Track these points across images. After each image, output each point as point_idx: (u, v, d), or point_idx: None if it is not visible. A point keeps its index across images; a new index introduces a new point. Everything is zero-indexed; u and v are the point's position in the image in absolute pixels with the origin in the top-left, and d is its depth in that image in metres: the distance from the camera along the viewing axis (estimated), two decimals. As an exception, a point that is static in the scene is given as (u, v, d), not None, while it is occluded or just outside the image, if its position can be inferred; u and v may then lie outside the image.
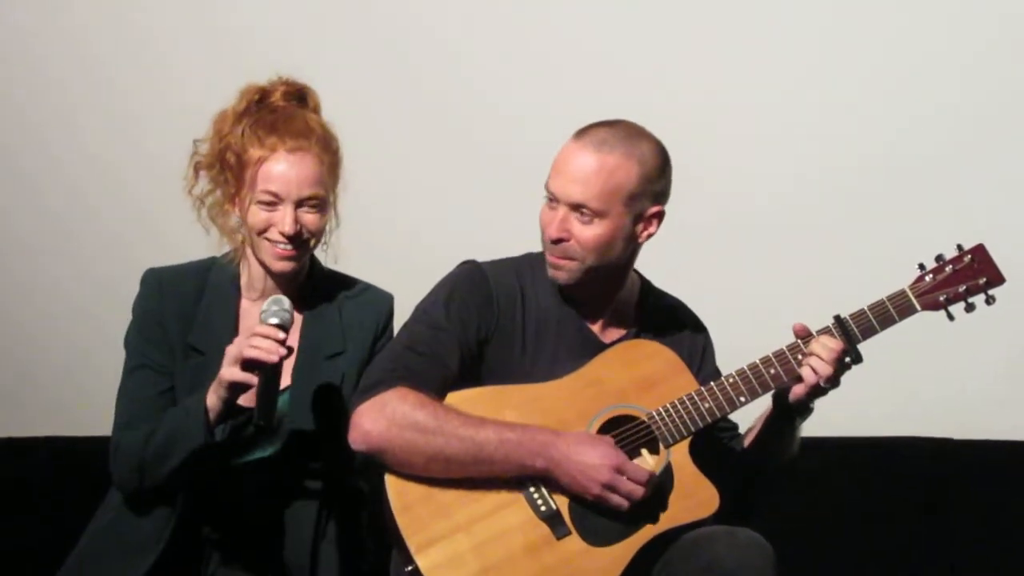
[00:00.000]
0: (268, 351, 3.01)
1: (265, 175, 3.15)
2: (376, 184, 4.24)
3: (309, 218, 3.18)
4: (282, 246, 3.17)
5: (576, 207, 3.16)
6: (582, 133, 3.19)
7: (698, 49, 4.56)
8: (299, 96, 3.27)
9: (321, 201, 3.19)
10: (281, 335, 3.04)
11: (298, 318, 3.27)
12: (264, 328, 3.05)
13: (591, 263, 3.19)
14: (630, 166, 3.16)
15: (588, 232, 3.17)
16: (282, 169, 3.15)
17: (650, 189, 3.19)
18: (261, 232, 3.18)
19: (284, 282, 3.25)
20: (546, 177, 3.21)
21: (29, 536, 4.16)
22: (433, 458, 3.07)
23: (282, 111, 3.22)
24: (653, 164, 3.19)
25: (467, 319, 3.19)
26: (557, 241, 3.18)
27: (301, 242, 3.18)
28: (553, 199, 3.18)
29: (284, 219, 3.15)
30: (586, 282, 3.22)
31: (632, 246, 3.23)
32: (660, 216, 3.23)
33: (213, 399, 3.08)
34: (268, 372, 3.03)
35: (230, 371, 3.04)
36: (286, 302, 3.09)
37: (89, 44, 4.64)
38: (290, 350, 3.06)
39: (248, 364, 3.02)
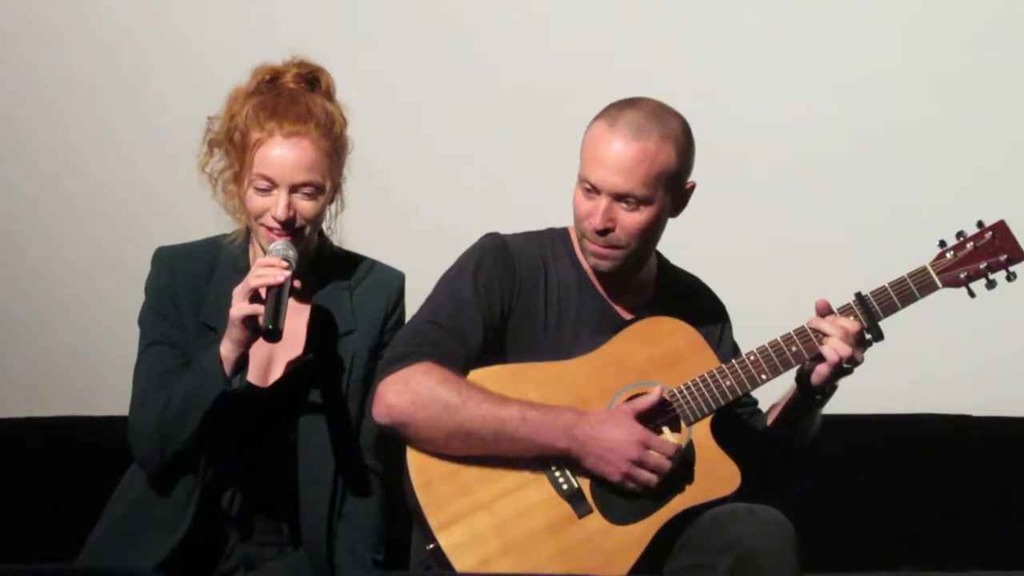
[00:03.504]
0: (273, 273, 3.02)
1: (261, 159, 3.14)
2: (388, 163, 4.25)
3: (304, 204, 3.16)
4: (277, 231, 3.16)
5: (621, 196, 3.15)
6: (613, 119, 3.17)
7: (718, 17, 4.56)
8: (310, 79, 3.24)
9: (317, 187, 3.16)
10: (283, 263, 3.05)
11: (308, 296, 3.27)
12: (265, 259, 3.07)
13: (635, 248, 3.20)
14: (668, 148, 3.16)
15: (634, 219, 3.17)
16: (277, 154, 3.13)
17: (685, 165, 3.21)
18: (257, 217, 3.17)
19: None
20: (581, 164, 3.19)
21: (46, 515, 4.16)
22: (454, 434, 3.07)
23: (287, 94, 3.19)
24: (684, 140, 3.20)
25: (492, 292, 3.19)
26: (604, 232, 3.17)
27: (295, 228, 3.17)
28: (593, 189, 3.17)
29: (277, 204, 3.14)
30: (624, 266, 3.22)
31: (666, 223, 3.25)
32: (693, 189, 3.25)
33: (227, 346, 3.07)
34: (276, 291, 3.03)
35: (239, 307, 3.04)
36: (283, 244, 3.10)
37: (103, 23, 4.63)
38: (293, 275, 3.05)
39: (255, 294, 3.03)
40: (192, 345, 3.22)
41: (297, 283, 3.10)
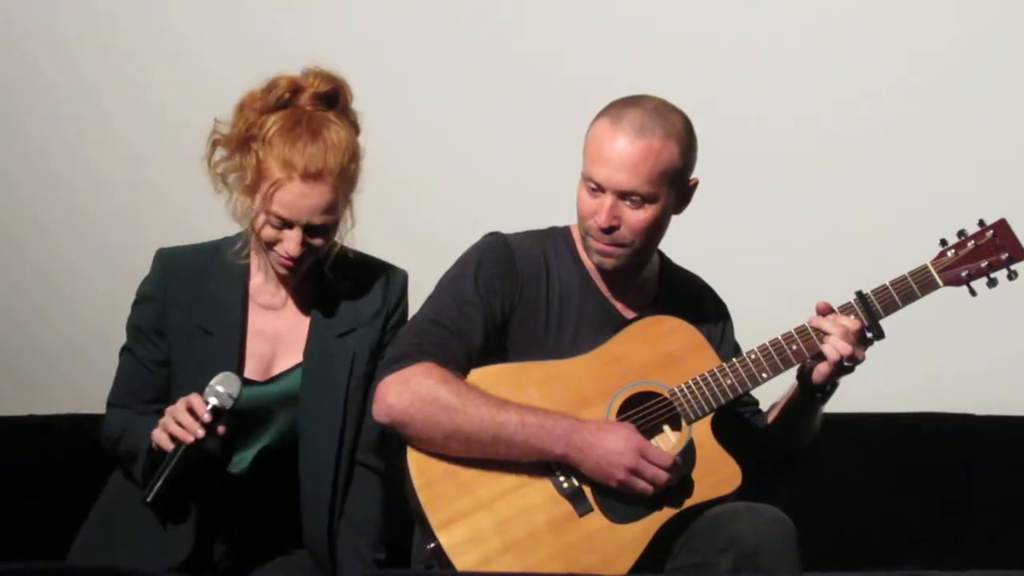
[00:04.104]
0: (186, 430, 3.03)
1: (279, 200, 3.14)
2: (390, 161, 4.24)
3: (317, 240, 3.19)
4: (286, 258, 3.18)
5: (625, 194, 3.15)
6: (616, 118, 3.17)
7: (720, 14, 4.57)
8: (329, 98, 3.22)
9: (332, 225, 3.19)
10: (206, 417, 3.04)
11: (310, 295, 3.29)
12: (196, 401, 3.06)
13: (639, 246, 3.20)
14: (672, 146, 3.16)
15: (639, 216, 3.17)
16: (294, 197, 3.14)
17: (688, 162, 3.21)
18: (270, 244, 3.19)
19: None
20: (584, 162, 3.19)
21: (47, 514, 4.16)
22: (453, 435, 3.07)
23: (307, 123, 3.18)
24: (687, 137, 3.20)
25: (493, 291, 3.19)
26: (609, 230, 3.17)
27: (306, 258, 3.19)
28: (598, 188, 3.17)
29: (290, 241, 3.16)
30: (629, 264, 3.22)
31: (670, 220, 3.25)
32: (696, 185, 3.25)
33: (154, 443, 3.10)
34: (181, 450, 3.04)
35: (159, 434, 3.07)
36: (235, 385, 3.09)
37: (106, 22, 4.63)
38: (213, 433, 3.05)
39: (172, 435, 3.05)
40: (183, 346, 3.23)
41: (221, 430, 3.09)
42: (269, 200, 3.14)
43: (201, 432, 3.04)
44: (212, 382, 3.10)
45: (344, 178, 3.17)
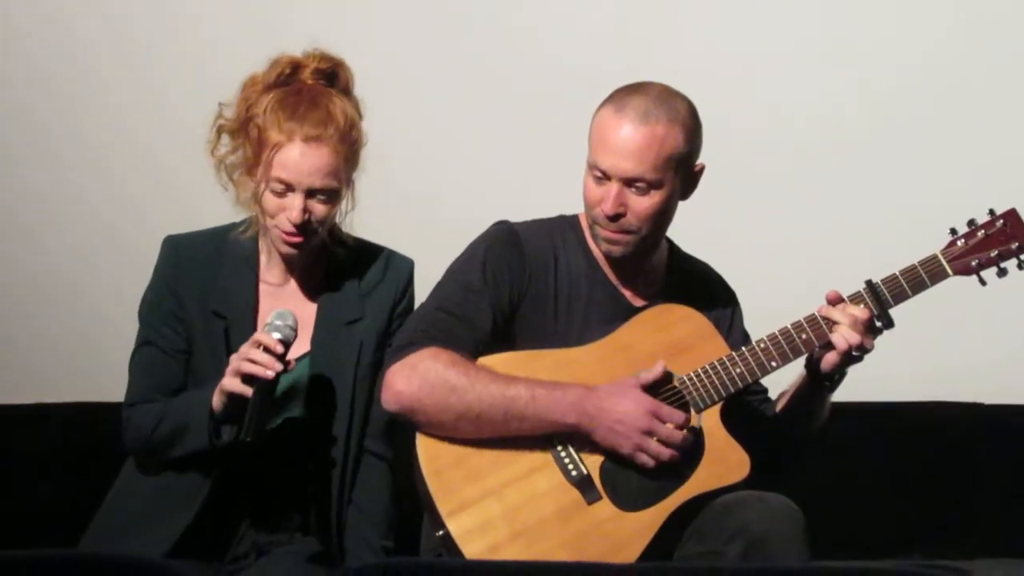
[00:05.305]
0: (265, 366, 3.03)
1: (279, 162, 3.14)
2: (398, 150, 4.24)
3: (319, 208, 3.18)
4: (288, 232, 3.17)
5: (631, 181, 3.15)
6: (620, 105, 3.17)
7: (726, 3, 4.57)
8: (330, 75, 3.24)
9: (333, 192, 3.18)
10: (280, 349, 3.05)
11: (315, 280, 3.29)
12: (265, 338, 3.06)
13: (646, 233, 3.20)
14: (676, 132, 3.16)
15: (645, 203, 3.17)
16: (295, 158, 3.14)
17: (694, 148, 3.21)
18: (272, 216, 3.18)
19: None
20: (590, 151, 3.19)
21: (52, 501, 4.17)
22: (463, 415, 3.08)
23: (307, 93, 3.19)
24: (691, 123, 3.20)
25: (500, 280, 3.20)
26: (615, 217, 3.17)
27: (308, 230, 3.18)
28: (603, 176, 3.17)
29: (292, 208, 3.15)
30: (637, 251, 3.22)
31: (677, 207, 3.24)
32: (702, 171, 3.25)
33: (217, 402, 3.10)
34: (263, 386, 3.05)
35: (230, 381, 3.06)
36: (291, 317, 3.10)
37: (113, 8, 4.63)
38: (287, 365, 3.07)
39: (245, 377, 3.05)
40: (198, 332, 3.24)
41: (292, 363, 3.11)
42: (270, 166, 3.15)
43: (279, 365, 3.05)
44: (270, 319, 3.10)
45: (346, 144, 3.17)
